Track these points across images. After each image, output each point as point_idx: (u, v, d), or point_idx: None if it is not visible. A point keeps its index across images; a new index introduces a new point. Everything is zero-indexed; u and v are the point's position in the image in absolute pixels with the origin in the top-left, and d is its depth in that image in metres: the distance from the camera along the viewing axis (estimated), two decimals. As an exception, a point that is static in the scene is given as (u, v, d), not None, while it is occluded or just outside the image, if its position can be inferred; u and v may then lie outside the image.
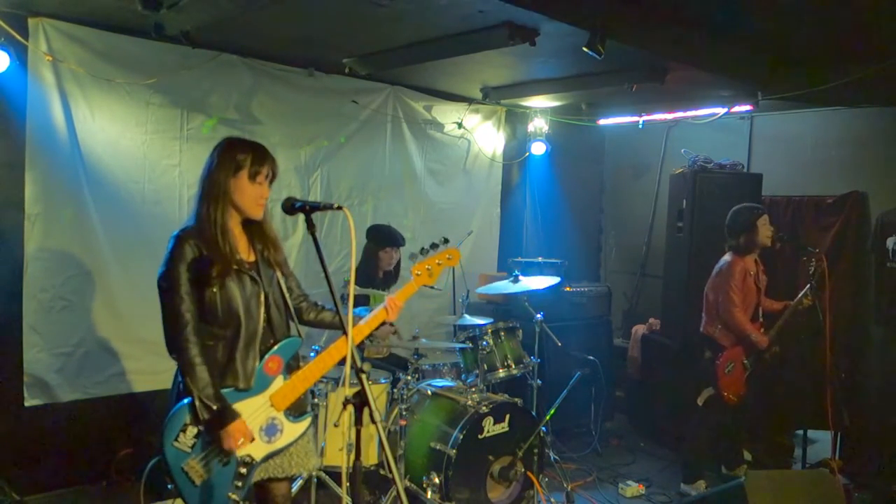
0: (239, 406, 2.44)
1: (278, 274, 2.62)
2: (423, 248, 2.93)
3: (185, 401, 2.40)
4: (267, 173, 2.50)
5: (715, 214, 4.70)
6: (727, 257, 4.40)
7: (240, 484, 2.46)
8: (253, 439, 2.47)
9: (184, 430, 2.40)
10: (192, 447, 2.40)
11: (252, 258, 2.57)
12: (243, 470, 2.47)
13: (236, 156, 2.46)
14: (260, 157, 2.49)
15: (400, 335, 4.52)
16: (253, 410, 2.48)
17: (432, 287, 2.97)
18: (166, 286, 2.40)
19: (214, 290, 2.42)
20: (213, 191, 2.45)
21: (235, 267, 2.47)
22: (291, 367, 2.60)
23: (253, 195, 2.48)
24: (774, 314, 4.45)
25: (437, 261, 2.89)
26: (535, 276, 4.61)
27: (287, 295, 2.65)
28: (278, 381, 2.54)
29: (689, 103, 5.61)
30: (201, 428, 2.40)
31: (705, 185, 5.13)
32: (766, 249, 4.41)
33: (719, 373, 4.29)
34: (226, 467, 2.44)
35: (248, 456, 2.47)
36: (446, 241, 2.94)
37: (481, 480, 3.78)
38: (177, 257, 2.40)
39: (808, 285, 4.29)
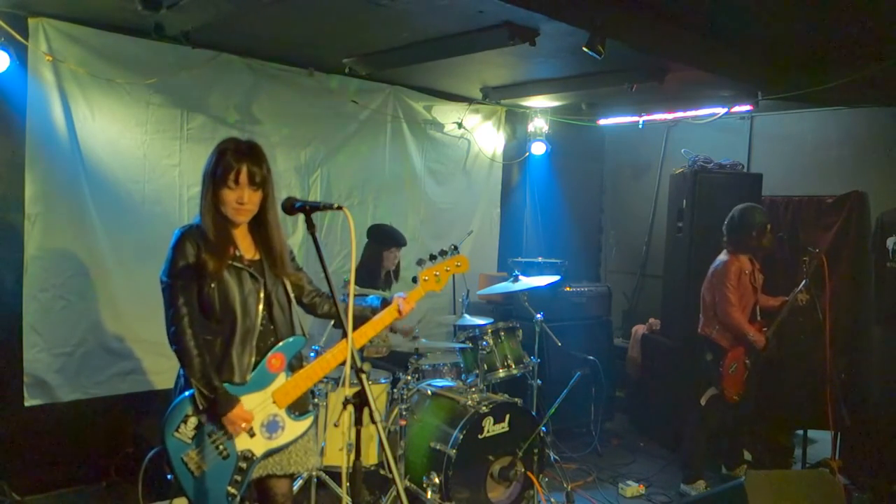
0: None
1: (282, 276, 2.62)
2: (431, 255, 2.94)
3: (187, 393, 2.43)
4: (244, 174, 2.42)
5: (715, 214, 4.70)
6: (722, 257, 4.40)
7: (239, 478, 2.47)
8: (253, 434, 2.49)
9: (185, 421, 2.43)
10: (193, 438, 2.43)
11: (256, 256, 2.58)
12: (243, 465, 2.48)
13: (219, 161, 2.44)
14: (236, 158, 2.42)
15: (405, 330, 4.51)
16: (254, 406, 2.49)
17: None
18: (167, 280, 2.44)
19: (212, 285, 2.45)
20: (205, 193, 2.48)
21: (235, 264, 2.49)
22: (294, 365, 2.61)
23: (229, 200, 2.44)
24: (772, 311, 4.45)
25: (445, 267, 2.89)
26: (535, 276, 4.61)
27: (291, 296, 2.66)
28: (280, 379, 2.55)
29: (689, 103, 5.61)
30: (202, 419, 2.43)
31: (705, 185, 5.13)
32: (763, 251, 4.42)
33: (724, 372, 4.30)
34: (226, 461, 2.45)
35: (249, 451, 2.49)
36: (455, 248, 2.95)
37: (481, 480, 3.78)
38: (178, 253, 2.43)
39: (804, 281, 4.29)
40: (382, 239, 4.49)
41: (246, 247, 2.57)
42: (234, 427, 2.43)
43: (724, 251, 4.43)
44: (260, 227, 2.57)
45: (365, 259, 4.51)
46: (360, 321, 2.74)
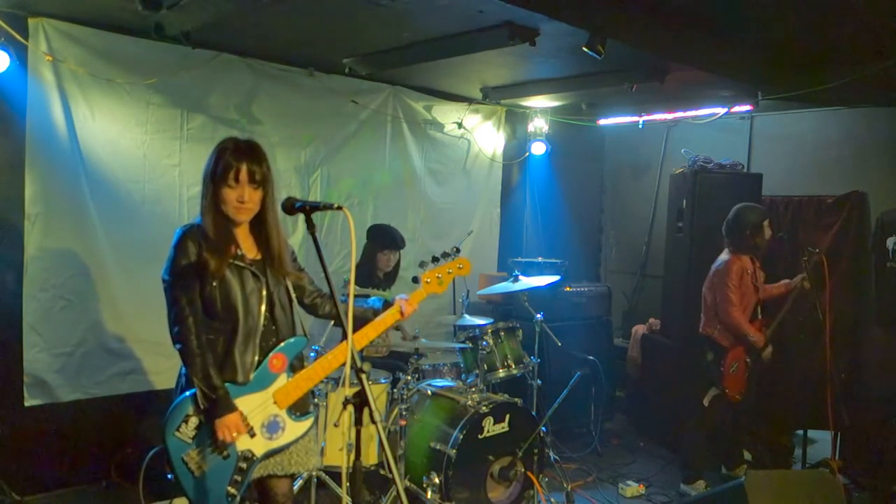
0: (241, 401, 2.46)
1: (283, 276, 2.62)
2: (434, 257, 2.95)
3: (189, 392, 2.44)
4: (244, 172, 2.42)
5: (715, 214, 4.71)
6: (724, 256, 4.40)
7: (239, 479, 2.47)
8: (254, 435, 2.49)
9: (186, 421, 2.43)
10: (193, 438, 2.43)
11: (258, 256, 2.58)
12: (243, 465, 2.48)
13: (219, 159, 2.44)
14: (236, 156, 2.43)
15: (406, 332, 4.52)
16: (255, 406, 2.49)
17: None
18: (169, 279, 2.44)
19: (214, 284, 2.45)
20: (206, 192, 2.48)
21: (236, 263, 2.49)
22: (295, 366, 2.62)
23: (230, 199, 2.44)
24: (775, 301, 4.45)
25: (447, 269, 2.91)
26: (535, 276, 4.61)
27: (293, 295, 2.66)
28: (282, 379, 2.56)
29: (689, 103, 5.61)
30: (203, 418, 2.43)
31: (705, 185, 5.13)
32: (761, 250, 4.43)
33: (725, 372, 4.30)
34: (226, 461, 2.45)
35: (249, 451, 2.49)
36: (457, 250, 2.97)
37: (481, 480, 3.78)
38: (179, 251, 2.43)
39: (802, 274, 4.30)
40: (378, 240, 4.48)
41: (248, 246, 2.58)
42: (225, 432, 2.40)
43: (726, 251, 4.43)
44: (260, 226, 2.57)
45: (362, 259, 4.51)
46: (361, 323, 2.74)
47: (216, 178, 2.43)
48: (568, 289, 5.49)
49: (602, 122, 6.40)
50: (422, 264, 2.95)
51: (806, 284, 4.34)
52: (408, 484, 3.76)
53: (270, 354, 2.53)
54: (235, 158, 2.43)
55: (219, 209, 2.46)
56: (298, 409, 2.60)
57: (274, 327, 2.57)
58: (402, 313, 2.76)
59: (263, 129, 4.64)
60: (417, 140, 5.58)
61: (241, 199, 2.44)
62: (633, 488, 4.45)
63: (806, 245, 4.55)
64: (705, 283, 4.48)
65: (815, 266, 4.31)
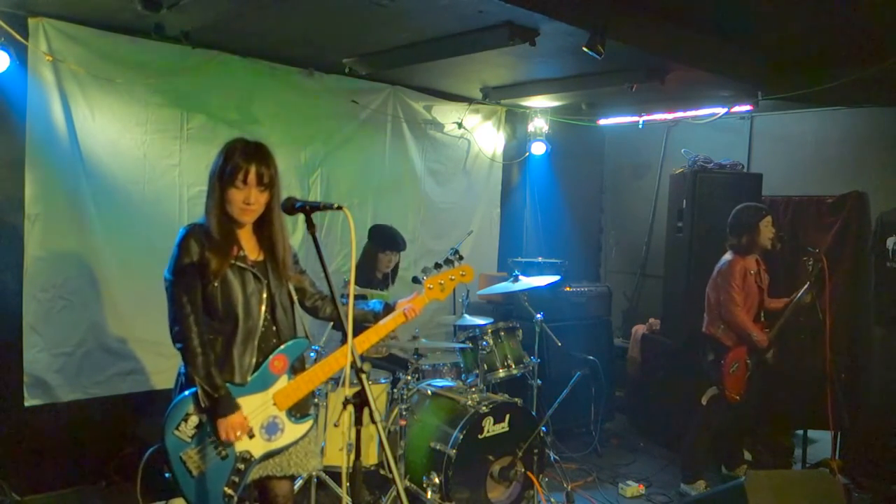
0: (240, 402, 2.46)
1: (285, 279, 2.62)
2: (436, 263, 2.93)
3: (189, 391, 2.43)
4: (252, 174, 2.42)
5: (715, 214, 4.71)
6: (727, 256, 4.40)
7: (236, 479, 2.47)
8: (252, 436, 2.49)
9: (185, 420, 2.43)
10: (192, 437, 2.43)
11: (261, 258, 2.58)
12: (241, 466, 2.48)
13: (227, 160, 2.44)
14: (245, 158, 2.42)
15: (400, 338, 4.52)
16: (255, 407, 2.49)
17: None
18: (171, 278, 2.44)
19: (216, 284, 2.45)
20: (211, 192, 2.48)
21: (238, 264, 2.49)
22: (296, 368, 2.62)
23: (236, 200, 2.44)
24: (777, 312, 4.45)
25: (450, 276, 2.89)
26: (535, 276, 4.61)
27: (294, 297, 2.67)
28: (282, 381, 2.56)
29: (689, 103, 5.61)
30: (203, 418, 2.43)
31: (705, 185, 5.13)
32: (767, 250, 4.42)
33: (725, 372, 4.29)
34: (224, 461, 2.46)
35: (247, 452, 2.49)
36: (461, 257, 2.95)
37: (481, 480, 3.78)
38: (182, 250, 2.43)
39: (807, 284, 4.29)
40: (379, 241, 4.48)
41: (251, 248, 2.57)
42: (228, 432, 2.41)
43: (729, 251, 4.42)
44: (265, 227, 2.57)
45: (361, 259, 4.50)
46: (363, 326, 2.74)
47: (224, 178, 2.43)
48: (568, 289, 5.49)
49: (602, 122, 6.40)
50: (425, 270, 2.93)
51: (807, 299, 4.33)
52: (408, 484, 3.77)
53: (272, 356, 2.53)
54: (244, 160, 2.42)
55: (224, 209, 2.46)
56: (298, 411, 2.60)
57: (274, 329, 2.57)
58: (405, 316, 2.76)
59: (263, 130, 4.63)
60: (417, 140, 5.58)
61: (248, 201, 2.44)
62: (633, 488, 4.45)
63: (806, 245, 4.55)
64: (709, 283, 4.47)
65: (818, 273, 4.28)
